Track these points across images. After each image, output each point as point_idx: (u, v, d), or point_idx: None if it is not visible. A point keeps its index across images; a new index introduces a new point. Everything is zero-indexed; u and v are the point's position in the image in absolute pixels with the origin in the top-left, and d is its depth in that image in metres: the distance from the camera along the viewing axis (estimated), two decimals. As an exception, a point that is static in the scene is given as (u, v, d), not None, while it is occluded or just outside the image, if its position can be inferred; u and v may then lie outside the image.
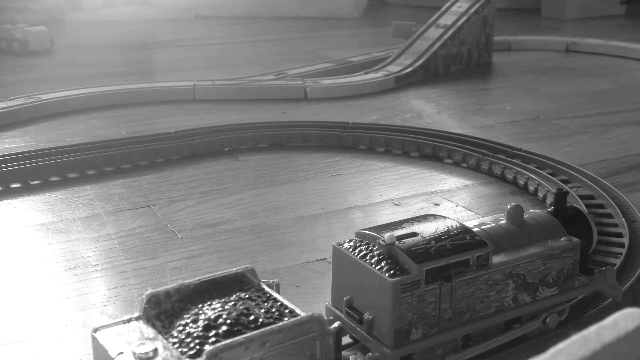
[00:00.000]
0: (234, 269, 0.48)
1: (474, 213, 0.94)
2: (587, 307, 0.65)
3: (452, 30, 1.81)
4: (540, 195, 0.97)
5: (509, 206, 0.60)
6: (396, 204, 0.97)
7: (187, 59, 2.05)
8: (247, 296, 0.45)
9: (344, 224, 0.91)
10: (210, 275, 0.47)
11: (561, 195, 0.61)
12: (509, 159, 1.08)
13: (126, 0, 2.95)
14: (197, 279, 0.46)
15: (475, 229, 0.57)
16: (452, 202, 0.98)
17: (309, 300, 0.72)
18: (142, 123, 1.35)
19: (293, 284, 0.75)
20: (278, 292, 0.47)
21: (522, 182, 1.01)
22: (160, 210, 0.94)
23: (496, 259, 0.55)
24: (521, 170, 1.03)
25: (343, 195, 1.01)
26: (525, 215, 0.60)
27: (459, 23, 1.82)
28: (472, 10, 1.84)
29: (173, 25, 2.70)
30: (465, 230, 0.55)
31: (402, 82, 1.68)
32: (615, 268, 0.71)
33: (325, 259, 0.80)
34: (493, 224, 0.59)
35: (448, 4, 1.92)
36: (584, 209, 0.87)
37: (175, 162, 1.14)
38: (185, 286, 0.45)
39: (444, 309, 0.53)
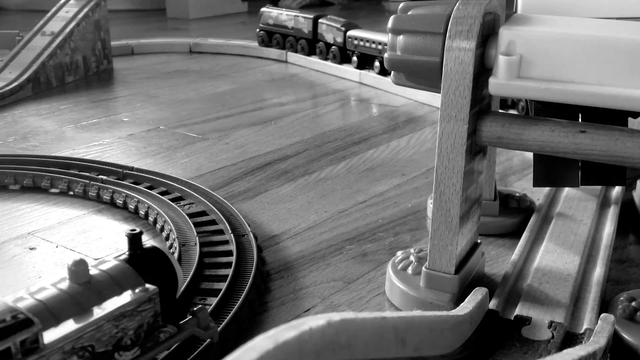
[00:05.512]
0: None
1: (77, 252, 0.82)
2: (184, 355, 0.59)
3: (60, 38, 1.65)
4: (151, 219, 0.89)
5: (69, 263, 0.50)
6: (-19, 256, 0.81)
7: None
8: None
9: None
10: None
11: (134, 237, 0.53)
12: (119, 181, 0.99)
13: None
14: None
15: (24, 303, 0.45)
16: (51, 242, 0.85)
17: None
18: None
19: None
20: None
21: (133, 207, 0.92)
22: None
23: (51, 336, 0.45)
24: (131, 193, 0.95)
25: None
26: (93, 270, 0.51)
27: (68, 29, 1.67)
28: (80, 15, 1.70)
29: None
30: (4, 310, 0.43)
31: (8, 100, 1.49)
32: (219, 296, 0.67)
33: None
34: (52, 289, 0.48)
35: (54, 8, 1.75)
36: (193, 231, 0.82)
37: None
38: None
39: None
